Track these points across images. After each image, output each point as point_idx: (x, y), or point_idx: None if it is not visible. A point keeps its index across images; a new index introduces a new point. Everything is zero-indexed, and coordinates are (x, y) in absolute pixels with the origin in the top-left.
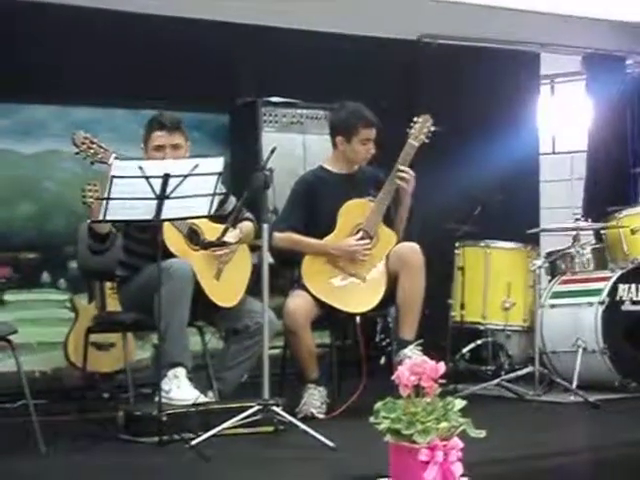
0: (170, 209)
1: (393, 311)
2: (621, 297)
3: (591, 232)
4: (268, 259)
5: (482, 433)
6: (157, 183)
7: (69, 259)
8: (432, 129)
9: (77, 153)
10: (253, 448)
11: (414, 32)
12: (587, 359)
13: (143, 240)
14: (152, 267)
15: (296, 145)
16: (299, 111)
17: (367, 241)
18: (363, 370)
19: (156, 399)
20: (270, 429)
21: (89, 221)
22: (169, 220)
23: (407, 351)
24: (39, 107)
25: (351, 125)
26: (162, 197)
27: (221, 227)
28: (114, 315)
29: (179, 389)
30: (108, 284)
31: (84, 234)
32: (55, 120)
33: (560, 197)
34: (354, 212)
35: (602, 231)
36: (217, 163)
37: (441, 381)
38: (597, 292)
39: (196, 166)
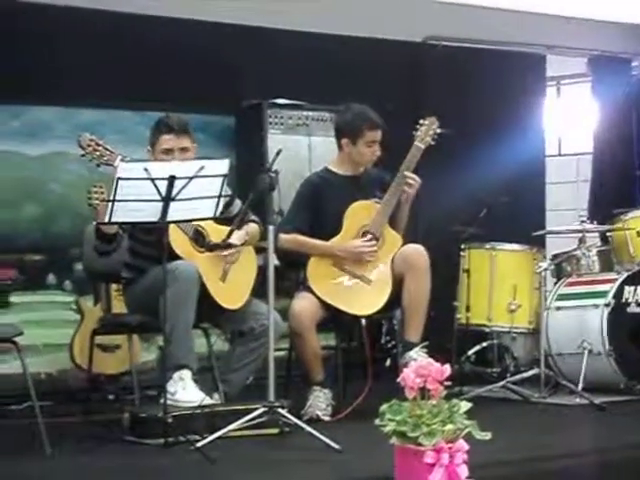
0: (176, 211)
1: (399, 313)
2: (627, 299)
3: (597, 234)
4: (274, 261)
5: (487, 435)
6: (163, 185)
7: (75, 261)
8: (438, 131)
9: (83, 155)
10: (258, 450)
11: (420, 34)
12: (593, 361)
13: (149, 242)
14: (158, 269)
15: (302, 147)
16: (305, 113)
17: (373, 243)
18: (369, 372)
19: (161, 401)
20: (275, 431)
21: (95, 223)
22: (175, 222)
23: (412, 353)
24: (45, 109)
25: (357, 127)
26: (168, 199)
27: (226, 229)
28: (119, 317)
29: (184, 391)
30: (114, 286)
31: (90, 236)
32: (61, 122)
33: (566, 199)
34: (360, 214)
35: (608, 233)
36: (223, 165)
37: (446, 383)
38: (603, 294)
39: (202, 168)
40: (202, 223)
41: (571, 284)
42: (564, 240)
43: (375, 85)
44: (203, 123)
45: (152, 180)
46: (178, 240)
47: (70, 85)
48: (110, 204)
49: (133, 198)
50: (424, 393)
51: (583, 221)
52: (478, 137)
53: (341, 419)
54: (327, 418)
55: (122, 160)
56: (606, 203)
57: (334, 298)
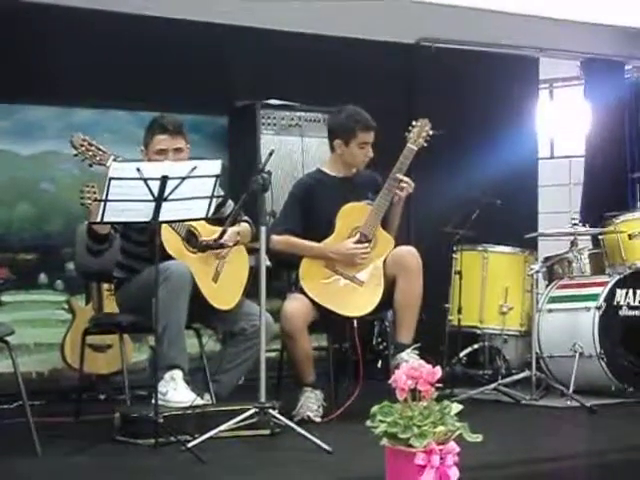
0: (168, 211)
1: (390, 315)
2: (618, 302)
3: (589, 237)
4: (266, 262)
5: (479, 437)
6: (155, 185)
7: (66, 260)
8: (430, 133)
9: (75, 155)
10: (249, 451)
11: (413, 36)
12: (584, 364)
13: (141, 242)
14: (150, 269)
15: (294, 148)
16: (297, 114)
17: (365, 244)
18: (360, 374)
19: (153, 401)
20: (266, 432)
21: (87, 222)
22: (167, 222)
23: (404, 355)
24: (38, 108)
25: (349, 128)
26: (160, 199)
27: (219, 229)
28: (111, 317)
29: (176, 391)
30: (105, 286)
31: (82, 235)
32: (54, 121)
33: (558, 202)
34: (352, 215)
35: (600, 236)
36: (215, 165)
37: (438, 385)
38: (594, 297)
39: (194, 168)
40: (194, 223)
41: (563, 287)
42: (556, 243)
43: (368, 86)
44: (196, 123)
45: (144, 180)
46: (170, 240)
47: (63, 85)
48: (102, 204)
49: (125, 198)
50: (415, 395)
51: (575, 224)
52: (471, 139)
53: (332, 420)
54: (318, 419)
55: (114, 160)
56: (598, 206)
57: (326, 299)
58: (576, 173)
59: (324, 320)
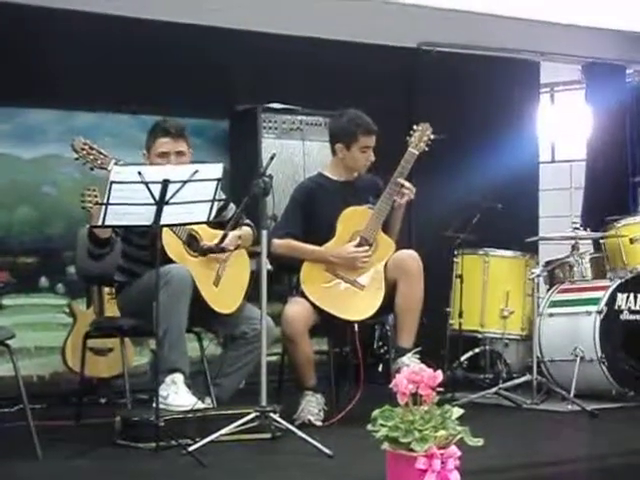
0: (169, 215)
1: (391, 318)
2: (619, 306)
3: (590, 241)
4: (267, 266)
5: (480, 441)
6: (156, 189)
7: (67, 264)
8: (432, 137)
9: (77, 159)
10: (250, 455)
11: (414, 40)
12: (585, 368)
13: (142, 246)
14: (150, 273)
15: (295, 152)
16: (299, 118)
17: (366, 248)
18: (361, 378)
19: (153, 405)
20: (267, 436)
21: (88, 226)
22: (168, 226)
23: (405, 359)
24: (39, 112)
25: (351, 132)
26: (161, 203)
27: (220, 233)
28: (112, 320)
29: (177, 395)
30: (106, 289)
31: (83, 239)
32: (55, 125)
33: (559, 206)
34: (353, 219)
35: (601, 240)
36: (216, 169)
37: (439, 389)
38: (595, 301)
39: (195, 172)
40: (196, 227)
41: (564, 291)
42: (557, 247)
43: (369, 90)
44: (197, 127)
45: (146, 184)
46: (171, 244)
47: (64, 88)
48: (103, 207)
49: (126, 202)
50: (416, 399)
51: (576, 228)
52: (471, 143)
53: (333, 424)
54: (319, 423)
55: (116, 164)
56: (599, 210)
57: (327, 303)
58: (577, 177)
59: (325, 324)
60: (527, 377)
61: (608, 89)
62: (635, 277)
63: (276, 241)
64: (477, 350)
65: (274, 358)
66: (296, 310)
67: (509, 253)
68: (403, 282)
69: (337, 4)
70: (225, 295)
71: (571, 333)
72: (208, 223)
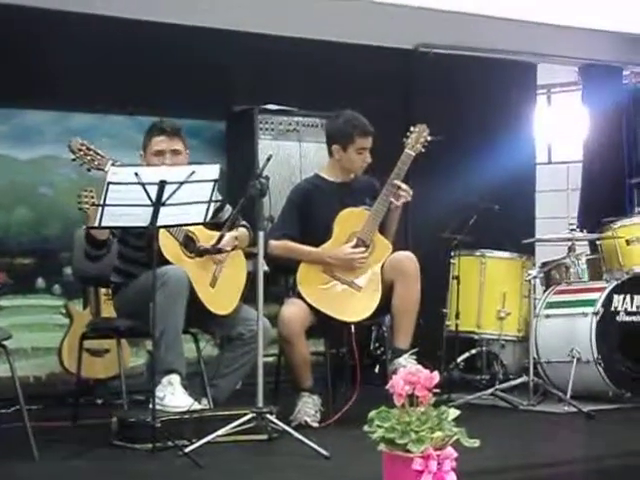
0: (166, 216)
1: (388, 320)
2: (616, 308)
3: (586, 242)
4: (263, 267)
5: (476, 443)
6: (153, 190)
7: (64, 265)
8: (428, 138)
9: (74, 159)
10: (246, 456)
11: (411, 41)
12: (581, 369)
13: (139, 247)
14: (147, 274)
15: (292, 153)
16: (295, 119)
17: (363, 249)
18: (357, 379)
19: (150, 406)
20: (264, 437)
21: (85, 227)
22: (165, 227)
23: (402, 360)
24: (36, 113)
25: (347, 134)
26: (158, 204)
27: (217, 234)
28: (109, 321)
29: (173, 396)
30: (103, 290)
31: (80, 240)
32: (52, 126)
33: (556, 207)
34: (350, 221)
35: (597, 242)
36: (213, 170)
37: (435, 390)
38: (592, 302)
39: (192, 173)
40: (192, 228)
41: (560, 292)
42: (553, 248)
43: (366, 92)
44: (194, 128)
45: (142, 185)
46: (168, 245)
47: (61, 89)
48: (100, 208)
49: (123, 203)
50: (413, 400)
51: (573, 229)
52: (468, 144)
53: (329, 425)
54: (315, 424)
55: (113, 164)
56: (596, 211)
57: (324, 304)
58: (574, 178)
59: (322, 325)
60: (524, 378)
61: (605, 91)
62: (631, 278)
63: (273, 242)
64: (474, 351)
65: (270, 359)
66: (293, 311)
67: (506, 254)
68: (400, 283)
69: (334, 5)
70: (222, 296)
71: (567, 334)
72: (205, 224)
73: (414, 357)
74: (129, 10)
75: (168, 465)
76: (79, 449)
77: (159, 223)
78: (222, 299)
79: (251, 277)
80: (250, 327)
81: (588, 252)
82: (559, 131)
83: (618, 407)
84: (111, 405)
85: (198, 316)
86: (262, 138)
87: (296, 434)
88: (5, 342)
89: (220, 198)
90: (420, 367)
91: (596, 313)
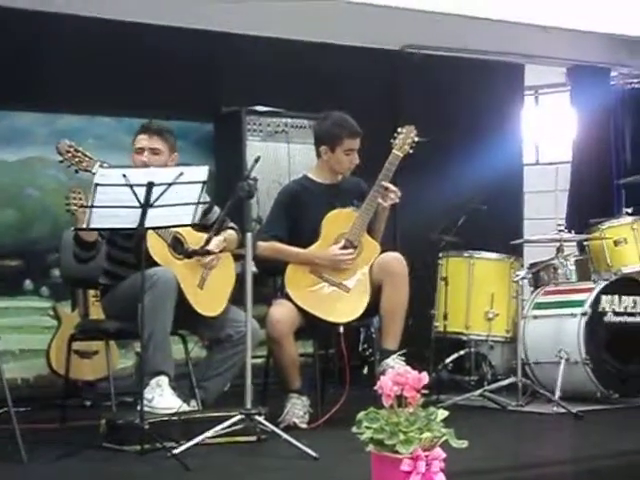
0: (154, 217)
1: (376, 321)
2: (604, 308)
3: (574, 243)
4: (252, 268)
5: (464, 443)
6: (141, 191)
7: (52, 266)
8: (416, 140)
9: (61, 161)
10: (235, 457)
11: (398, 42)
12: (570, 370)
13: (127, 248)
14: (135, 275)
15: (280, 154)
16: (283, 120)
17: (351, 250)
18: (346, 380)
19: (138, 407)
20: (252, 438)
21: (73, 229)
22: (153, 228)
23: (390, 361)
24: (24, 114)
25: (335, 135)
26: (146, 205)
27: (205, 236)
28: (97, 323)
29: (162, 397)
30: (91, 292)
31: (67, 242)
32: (40, 127)
33: (544, 208)
34: (338, 222)
35: (585, 242)
36: (201, 172)
37: (424, 391)
38: (580, 303)
39: (180, 174)
40: (180, 230)
41: (548, 293)
42: (542, 249)
43: (353, 93)
44: (182, 130)
45: (130, 186)
46: (156, 247)
47: (49, 91)
48: (88, 210)
49: (112, 204)
50: (401, 401)
51: (561, 230)
52: (456, 146)
53: (318, 427)
54: (304, 425)
55: (101, 166)
56: (584, 212)
57: (312, 306)
58: (562, 179)
59: (310, 326)
60: (512, 379)
61: (592, 92)
62: (619, 279)
63: (261, 244)
64: (462, 352)
65: (259, 361)
66: (281, 312)
67: (494, 255)
68: (388, 284)
69: (321, 7)
70: (210, 298)
71: (556, 335)
72: (193, 226)
73: (402, 358)
74: (117, 12)
75: (157, 467)
76: (67, 451)
77: (147, 225)
78: (210, 301)
79: (239, 278)
80: (238, 329)
81: (576, 253)
82: (547, 132)
83: (606, 408)
84: (99, 407)
85: (186, 318)
86: (250, 139)
87: (285, 435)
88: None
89: (208, 200)
90: (408, 368)
91: (584, 314)
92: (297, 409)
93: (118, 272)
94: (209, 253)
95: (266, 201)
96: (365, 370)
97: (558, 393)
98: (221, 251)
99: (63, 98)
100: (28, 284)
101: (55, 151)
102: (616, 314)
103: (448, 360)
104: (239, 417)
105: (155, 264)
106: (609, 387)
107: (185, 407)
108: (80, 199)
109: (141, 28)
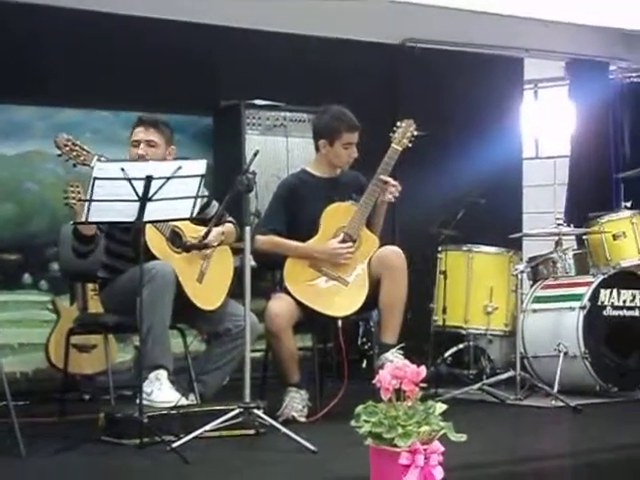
0: (152, 211)
1: (375, 315)
2: (602, 302)
3: (573, 237)
4: (250, 262)
5: (463, 437)
6: (140, 185)
7: (51, 260)
8: (415, 133)
9: (59, 155)
10: (234, 451)
11: (398, 36)
12: (568, 364)
13: (125, 242)
14: (134, 269)
15: (279, 148)
16: (282, 114)
17: (350, 244)
18: (344, 374)
19: (137, 401)
20: (251, 432)
21: (72, 222)
22: (151, 222)
23: (389, 355)
24: (23, 108)
25: (334, 129)
26: (144, 199)
27: (203, 230)
28: (96, 317)
29: (160, 391)
30: (90, 286)
31: (66, 235)
32: (38, 121)
33: (543, 202)
34: (337, 216)
35: (584, 236)
36: (200, 165)
37: (422, 385)
38: (579, 297)
39: (179, 168)
40: (179, 223)
41: (547, 287)
42: (541, 243)
43: (353, 87)
44: (181, 123)
45: (129, 180)
46: (155, 240)
47: (48, 85)
48: (87, 204)
49: (110, 198)
50: (400, 395)
51: (560, 224)
52: (455, 139)
53: (317, 420)
54: (303, 419)
55: (99, 160)
56: (583, 206)
57: (310, 299)
58: (561, 173)
59: (309, 320)
60: (511, 373)
61: (591, 86)
62: (618, 273)
63: (260, 237)
64: (461, 346)
65: (258, 354)
66: (279, 306)
67: (493, 249)
68: (387, 278)
69: (321, 1)
70: (208, 291)
71: (554, 329)
72: (191, 220)
73: (401, 352)
74: (116, 5)
75: (155, 460)
76: (66, 445)
77: (146, 218)
78: (209, 294)
79: (238, 272)
80: (237, 322)
81: (575, 247)
82: (546, 126)
83: (605, 401)
84: (98, 401)
85: (185, 311)
86: (249, 133)
87: (283, 429)
88: None
89: (207, 194)
90: (407, 362)
91: (583, 307)
92: (296, 403)
93: (117, 266)
94: (207, 247)
95: (265, 195)
96: (364, 364)
97: (557, 387)
98: (219, 244)
99: (61, 92)
100: (27, 278)
101: (53, 145)
102: (615, 308)
103: (447, 354)
104: (238, 411)
105: (154, 258)
106: (608, 381)
107: (184, 401)
108: (78, 193)
109: (140, 22)
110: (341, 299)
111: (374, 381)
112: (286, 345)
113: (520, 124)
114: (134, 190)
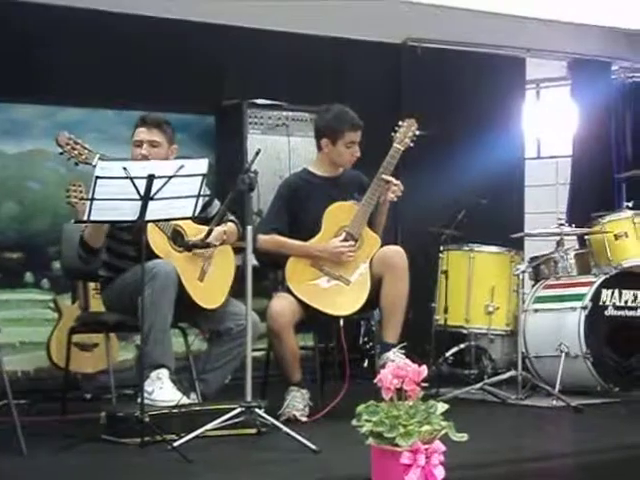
0: (154, 210)
1: (377, 314)
2: (604, 302)
3: (575, 237)
4: (252, 261)
5: (464, 437)
6: (141, 184)
7: (52, 259)
8: (417, 133)
9: (61, 153)
10: (235, 450)
11: (400, 36)
12: (570, 364)
13: (127, 241)
14: (136, 268)
15: (281, 147)
16: (284, 113)
17: (351, 243)
18: (346, 373)
19: (138, 400)
20: (252, 431)
21: (73, 221)
22: (153, 221)
23: (390, 354)
24: (24, 107)
25: (336, 128)
26: (146, 198)
27: (205, 229)
28: (97, 316)
29: (162, 390)
30: (92, 284)
31: (68, 234)
32: (40, 120)
33: (544, 202)
34: (339, 215)
35: (586, 236)
36: (202, 164)
37: (424, 384)
38: (580, 297)
39: (181, 167)
40: (181, 223)
41: (549, 287)
42: (542, 243)
43: (355, 86)
44: (183, 123)
45: (131, 179)
46: (156, 239)
47: (50, 84)
48: (89, 203)
49: (112, 197)
50: (401, 394)
51: (561, 224)
52: (457, 139)
53: (318, 419)
54: (304, 418)
55: (100, 159)
56: (585, 206)
57: (312, 299)
58: (562, 173)
59: (310, 319)
60: (512, 373)
61: (593, 85)
62: (620, 273)
63: (261, 236)
64: (462, 346)
65: (259, 354)
66: (281, 305)
67: (494, 249)
68: (388, 278)
69: (323, 0)
70: (210, 291)
71: (556, 329)
72: (193, 219)
73: (403, 351)
74: (119, 4)
75: (156, 460)
76: (67, 444)
77: (148, 217)
78: (211, 293)
79: (240, 271)
80: (239, 321)
81: (577, 247)
82: (548, 126)
83: (606, 401)
84: (99, 399)
85: (187, 310)
86: (251, 132)
87: (285, 428)
88: None
89: (208, 193)
90: (408, 361)
91: (584, 307)
92: (297, 402)
93: (118, 265)
94: (209, 246)
95: (267, 194)
96: (365, 363)
97: (558, 387)
98: (221, 243)
99: (64, 91)
100: (29, 277)
101: (55, 144)
102: (616, 308)
103: (448, 353)
104: (239, 410)
105: (155, 257)
106: (609, 381)
107: (185, 400)
108: (80, 192)
109: (142, 21)
110: (343, 298)
111: (375, 380)
112: (288, 344)
113: (522, 124)
114: (136, 189)
